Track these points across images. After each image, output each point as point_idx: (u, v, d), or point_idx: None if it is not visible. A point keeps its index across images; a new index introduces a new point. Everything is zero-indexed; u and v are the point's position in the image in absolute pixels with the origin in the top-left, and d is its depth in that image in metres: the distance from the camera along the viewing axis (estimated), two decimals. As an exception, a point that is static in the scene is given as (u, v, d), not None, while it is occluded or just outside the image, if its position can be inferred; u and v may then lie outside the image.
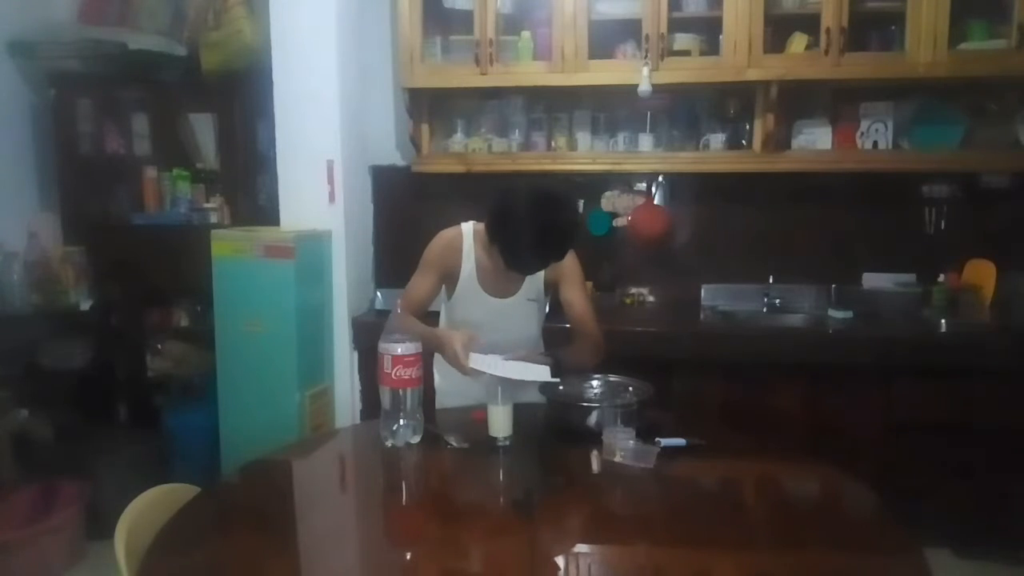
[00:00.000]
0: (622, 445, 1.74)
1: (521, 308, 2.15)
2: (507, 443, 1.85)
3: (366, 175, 3.38)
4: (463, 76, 3.07)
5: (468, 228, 2.14)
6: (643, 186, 3.34)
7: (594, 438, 1.81)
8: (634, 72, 2.93)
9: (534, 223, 1.84)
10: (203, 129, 3.35)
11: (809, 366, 2.79)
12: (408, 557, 1.48)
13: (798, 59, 2.96)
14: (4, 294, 3.07)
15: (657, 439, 1.77)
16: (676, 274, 3.36)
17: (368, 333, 2.94)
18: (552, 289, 2.20)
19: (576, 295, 2.15)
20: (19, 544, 2.70)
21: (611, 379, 2.08)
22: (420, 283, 2.12)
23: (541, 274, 2.12)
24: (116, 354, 3.34)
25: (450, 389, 2.24)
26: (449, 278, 2.13)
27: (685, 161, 3.17)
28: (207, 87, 3.28)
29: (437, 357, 2.25)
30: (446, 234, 2.14)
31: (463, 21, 3.09)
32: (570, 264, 2.13)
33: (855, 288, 3.24)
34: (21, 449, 2.98)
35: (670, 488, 1.71)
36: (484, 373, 1.90)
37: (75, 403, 3.15)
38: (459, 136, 3.29)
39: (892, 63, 2.90)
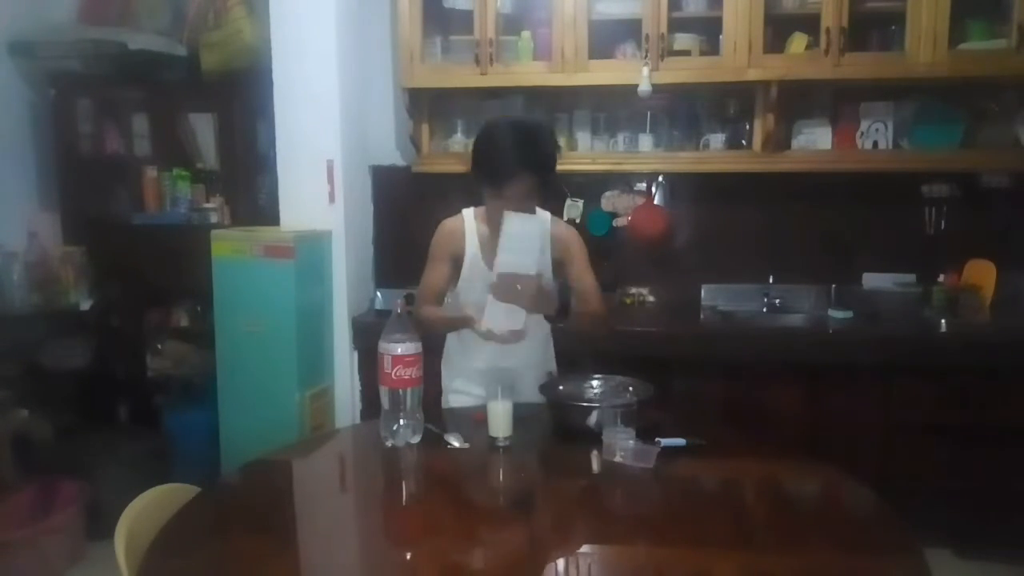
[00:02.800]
0: (622, 445, 1.74)
1: None
2: (507, 443, 1.85)
3: (366, 175, 3.38)
4: (463, 76, 3.07)
5: (468, 212, 2.17)
6: (643, 186, 3.34)
7: (594, 438, 1.81)
8: (634, 72, 2.93)
9: (512, 130, 1.96)
10: (203, 129, 3.35)
11: (809, 366, 2.79)
12: (408, 557, 1.48)
13: (798, 59, 2.96)
14: (4, 294, 3.06)
15: (657, 439, 1.77)
16: (676, 274, 3.36)
17: (368, 333, 2.94)
18: (559, 270, 2.20)
19: (581, 272, 2.16)
20: (19, 544, 2.70)
21: (611, 379, 2.08)
22: (432, 273, 2.16)
23: (548, 251, 2.12)
24: (116, 354, 3.34)
25: (457, 388, 2.24)
26: (455, 262, 2.15)
27: (685, 161, 3.17)
28: (207, 87, 3.27)
29: (445, 356, 2.25)
30: (447, 221, 2.18)
31: (463, 21, 3.09)
32: (575, 244, 2.17)
33: (855, 288, 3.23)
34: (21, 449, 2.98)
35: (670, 488, 1.71)
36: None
37: (75, 403, 3.15)
38: (459, 136, 3.29)
39: (892, 63, 2.90)
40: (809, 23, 2.94)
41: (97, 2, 3.40)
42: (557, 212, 3.32)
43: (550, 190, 2.09)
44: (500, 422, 1.85)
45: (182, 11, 3.36)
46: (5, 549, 2.67)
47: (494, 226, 2.03)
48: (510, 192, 1.96)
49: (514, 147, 1.94)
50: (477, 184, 2.04)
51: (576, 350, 2.32)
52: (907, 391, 2.79)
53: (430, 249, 2.16)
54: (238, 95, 3.29)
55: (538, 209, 2.08)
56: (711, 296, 3.33)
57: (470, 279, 2.12)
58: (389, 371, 1.82)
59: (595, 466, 1.78)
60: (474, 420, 1.94)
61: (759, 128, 3.07)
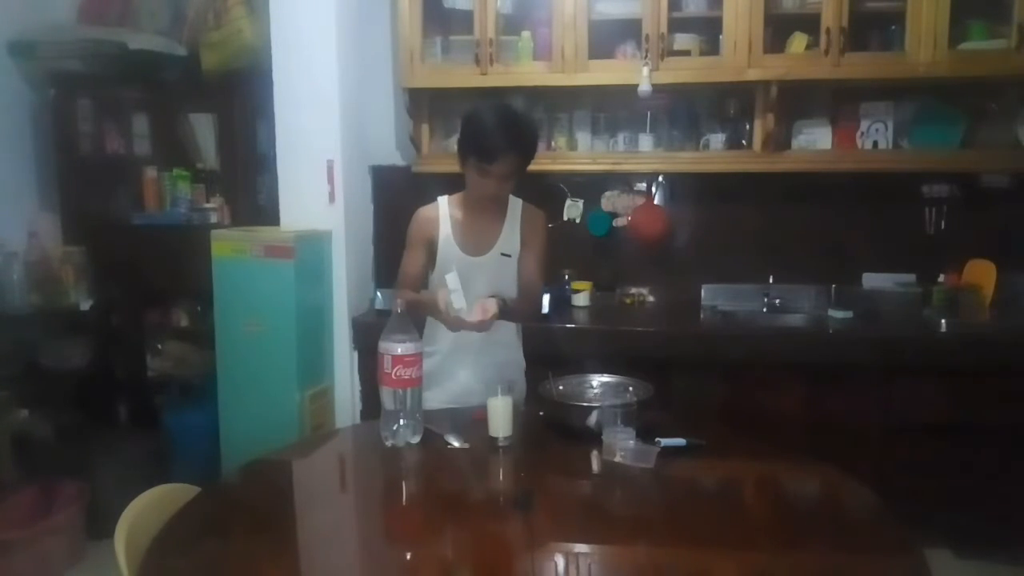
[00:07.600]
0: (622, 445, 1.74)
1: (495, 263, 2.19)
2: (507, 443, 1.85)
3: (366, 175, 3.37)
4: (463, 76, 3.07)
5: (443, 199, 2.25)
6: (643, 186, 3.34)
7: (594, 438, 1.81)
8: (634, 72, 2.93)
9: (502, 112, 2.07)
10: (203, 129, 3.35)
11: (809, 366, 2.79)
12: (408, 557, 1.48)
13: (798, 59, 2.96)
14: (4, 294, 3.06)
15: (657, 439, 1.77)
16: (676, 274, 3.36)
17: (368, 333, 2.94)
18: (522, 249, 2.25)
19: (530, 258, 2.23)
20: (19, 544, 2.70)
21: (611, 379, 2.08)
22: (408, 259, 2.23)
23: (518, 230, 2.21)
24: (116, 354, 3.34)
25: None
26: (430, 246, 2.20)
27: (685, 161, 3.17)
28: (207, 87, 3.27)
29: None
30: (422, 209, 2.25)
31: (463, 21, 3.09)
32: (539, 229, 2.25)
33: (855, 288, 3.24)
34: (21, 449, 2.98)
35: (670, 488, 1.71)
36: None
37: (75, 403, 3.14)
38: (459, 136, 3.28)
39: (892, 63, 2.90)
40: (809, 23, 2.94)
41: (97, 2, 3.40)
42: (557, 212, 3.37)
43: (525, 176, 2.15)
44: (500, 422, 1.85)
45: (182, 11, 3.36)
46: (5, 549, 2.67)
47: (469, 208, 2.19)
48: (497, 169, 2.03)
49: (505, 126, 2.02)
50: (462, 161, 2.10)
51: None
52: (907, 391, 2.78)
53: (407, 237, 2.24)
54: (238, 95, 3.28)
55: (511, 196, 2.21)
56: (711, 296, 3.32)
57: (444, 260, 2.18)
58: (389, 371, 1.83)
59: (595, 466, 1.78)
60: (474, 420, 1.94)
61: (759, 128, 3.07)
